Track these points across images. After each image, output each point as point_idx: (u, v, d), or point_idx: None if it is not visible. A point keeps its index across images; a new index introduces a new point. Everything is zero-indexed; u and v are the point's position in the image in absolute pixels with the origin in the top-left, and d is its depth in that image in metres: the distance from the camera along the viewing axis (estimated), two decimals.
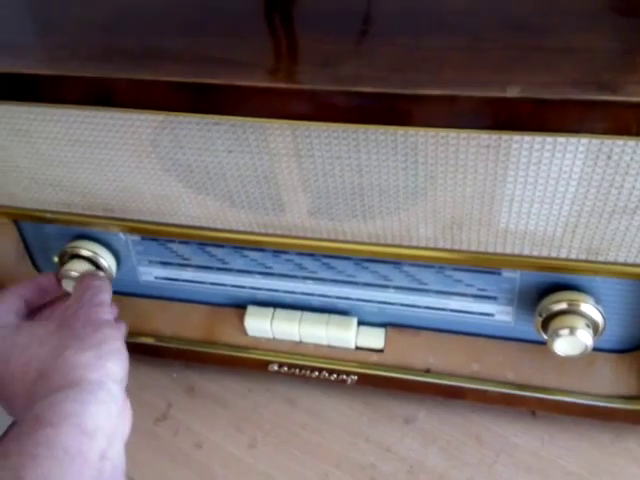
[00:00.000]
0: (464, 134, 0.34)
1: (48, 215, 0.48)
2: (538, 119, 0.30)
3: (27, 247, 0.53)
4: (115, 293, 0.53)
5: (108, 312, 0.45)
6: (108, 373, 0.40)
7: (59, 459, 0.34)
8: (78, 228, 0.49)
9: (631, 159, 0.33)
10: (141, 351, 0.55)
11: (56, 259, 0.51)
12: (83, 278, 0.48)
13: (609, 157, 0.33)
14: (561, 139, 0.33)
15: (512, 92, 0.29)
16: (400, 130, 0.34)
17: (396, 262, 0.46)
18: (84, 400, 0.37)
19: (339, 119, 0.33)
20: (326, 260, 0.47)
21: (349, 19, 0.39)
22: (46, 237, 0.52)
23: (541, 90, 0.29)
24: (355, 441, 0.52)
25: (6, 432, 0.39)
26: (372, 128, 0.34)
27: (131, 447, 0.53)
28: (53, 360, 0.40)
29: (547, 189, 0.36)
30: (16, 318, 0.45)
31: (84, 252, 0.49)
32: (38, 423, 0.35)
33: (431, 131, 0.34)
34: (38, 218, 0.48)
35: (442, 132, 0.34)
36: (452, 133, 0.34)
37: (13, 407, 0.41)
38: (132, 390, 0.56)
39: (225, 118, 0.35)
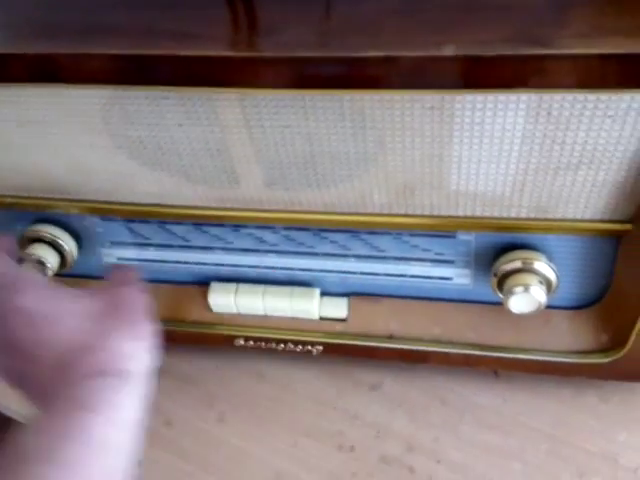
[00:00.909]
0: (407, 96, 0.34)
1: (8, 200, 0.48)
2: (475, 77, 0.31)
3: None
4: (78, 276, 0.54)
5: (142, 301, 0.43)
6: (144, 368, 0.39)
7: (89, 446, 0.34)
8: (38, 212, 0.49)
9: (570, 114, 0.34)
10: None
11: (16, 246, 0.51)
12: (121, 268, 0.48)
13: (549, 113, 0.34)
14: (501, 97, 0.33)
15: (447, 51, 0.30)
16: (346, 95, 0.35)
17: (354, 231, 0.46)
18: (123, 391, 0.37)
19: (284, 86, 0.34)
20: (285, 232, 0.48)
21: None
22: (5, 222, 0.51)
23: (475, 47, 0.30)
24: (323, 410, 0.53)
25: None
26: (318, 94, 0.35)
27: None
28: (99, 339, 0.38)
29: (492, 148, 0.37)
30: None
31: (44, 236, 0.49)
32: (76, 405, 0.35)
33: (376, 95, 0.34)
34: None
35: (387, 95, 0.34)
36: (396, 96, 0.34)
37: (35, 370, 0.39)
38: None
39: (172, 89, 0.36)
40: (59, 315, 0.40)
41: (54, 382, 0.37)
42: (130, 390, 0.37)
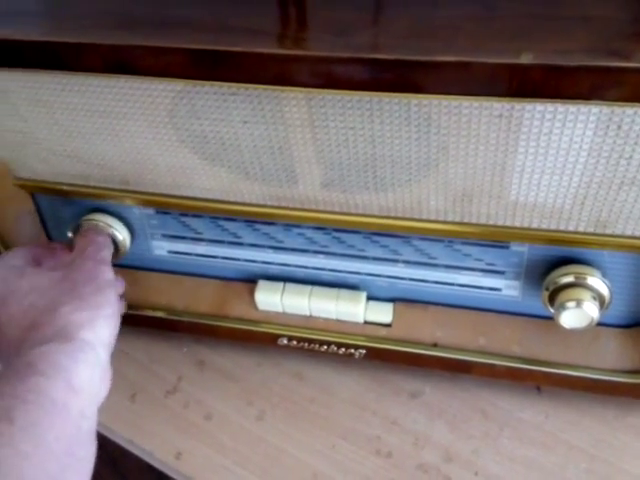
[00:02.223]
0: (477, 103, 0.34)
1: (65, 188, 0.49)
2: (550, 86, 0.31)
3: (43, 221, 0.54)
4: (128, 267, 0.54)
5: (110, 271, 0.46)
6: (99, 337, 0.41)
7: (47, 409, 0.35)
8: (93, 202, 0.50)
9: None
10: (153, 325, 0.56)
11: (70, 234, 0.52)
12: (87, 232, 0.49)
13: (619, 127, 0.34)
14: (572, 108, 0.33)
15: (526, 59, 0.30)
16: (414, 100, 0.35)
17: (406, 236, 0.46)
18: (76, 358, 0.38)
19: (354, 87, 0.34)
20: (337, 234, 0.48)
21: None
22: (62, 211, 0.52)
23: (554, 57, 0.30)
24: (362, 414, 0.53)
25: None
26: (386, 97, 0.35)
27: (142, 418, 0.54)
28: (49, 313, 0.40)
29: (557, 160, 0.37)
30: (24, 264, 0.46)
31: (100, 225, 0.50)
32: (30, 370, 0.36)
33: (444, 100, 0.35)
34: (55, 191, 0.49)
35: (455, 102, 0.35)
36: (465, 103, 0.35)
37: (2, 350, 0.42)
38: (143, 363, 0.58)
39: (242, 86, 0.36)
40: (11, 295, 0.42)
41: (11, 358, 0.39)
42: (85, 358, 0.38)
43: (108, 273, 0.45)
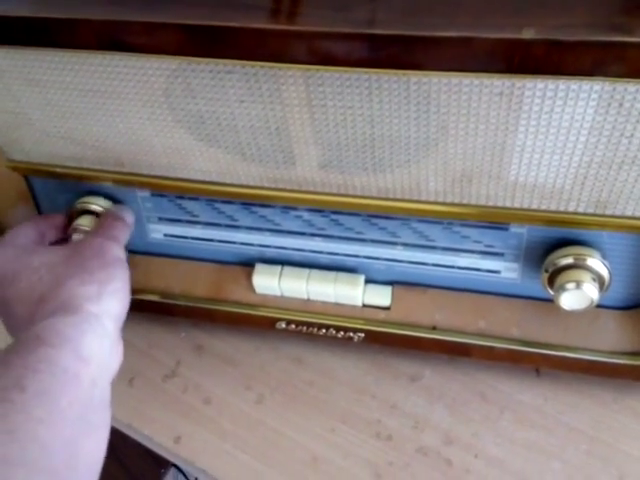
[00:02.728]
0: (477, 81, 0.34)
1: (59, 170, 0.48)
2: (552, 62, 0.30)
3: (37, 204, 0.54)
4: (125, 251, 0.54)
5: (120, 249, 0.46)
6: (107, 310, 0.41)
7: (58, 377, 0.36)
8: (88, 184, 0.50)
9: None
10: (150, 309, 0.55)
11: (65, 217, 0.52)
12: (108, 212, 0.50)
13: (621, 104, 0.33)
14: (574, 85, 0.33)
15: (528, 34, 0.29)
16: (413, 77, 0.35)
17: (404, 218, 0.46)
18: (82, 329, 0.39)
19: (352, 64, 0.34)
20: (335, 216, 0.48)
21: None
22: (56, 194, 0.52)
23: (556, 32, 0.29)
24: (361, 398, 0.52)
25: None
26: (385, 75, 0.35)
27: (140, 402, 0.54)
28: (57, 287, 0.41)
29: (558, 139, 0.36)
30: (31, 242, 0.47)
31: (94, 207, 0.50)
32: (39, 342, 0.37)
33: (444, 77, 0.34)
34: (49, 173, 0.49)
35: (455, 79, 0.34)
36: (465, 80, 0.34)
37: (13, 325, 0.43)
38: (141, 348, 0.58)
39: (239, 63, 0.36)
40: (20, 273, 0.43)
41: (21, 333, 0.40)
42: (92, 329, 0.39)
43: (117, 250, 0.46)
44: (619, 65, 0.30)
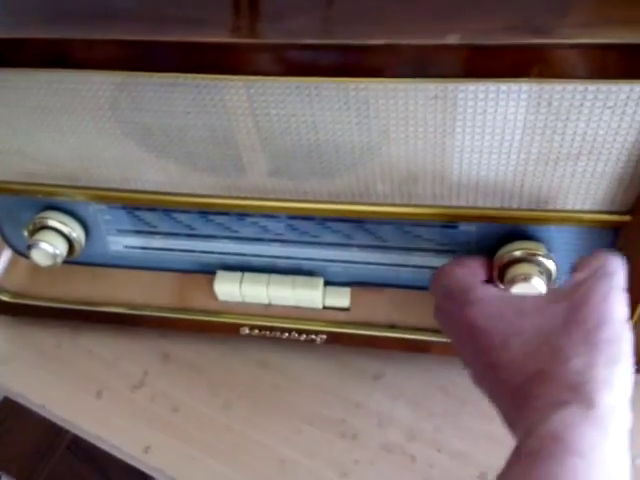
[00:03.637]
0: (412, 86, 0.35)
1: (16, 186, 0.49)
2: (478, 66, 0.31)
3: None
4: (85, 264, 0.54)
5: (625, 306, 0.36)
6: (621, 396, 0.33)
7: None
8: (46, 199, 0.50)
9: (570, 104, 0.34)
10: (114, 321, 0.56)
11: (26, 233, 0.52)
12: (597, 252, 0.39)
13: (549, 103, 0.34)
14: (503, 87, 0.34)
15: (451, 39, 0.30)
16: (351, 84, 0.36)
17: (357, 220, 0.47)
18: (604, 430, 0.31)
19: (289, 73, 0.34)
20: (290, 222, 0.48)
21: None
22: (15, 210, 0.52)
23: (478, 36, 0.30)
24: (326, 398, 0.53)
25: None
26: (324, 82, 0.36)
27: (108, 414, 0.54)
28: (559, 363, 0.34)
29: (494, 138, 0.37)
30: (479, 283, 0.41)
31: (52, 223, 0.50)
32: (561, 446, 0.31)
33: (380, 83, 0.35)
34: (5, 190, 0.49)
35: (390, 84, 0.35)
36: (400, 85, 0.35)
37: (499, 396, 0.37)
38: (108, 359, 0.58)
39: (180, 76, 0.36)
40: (513, 337, 0.36)
41: (512, 407, 0.35)
42: (612, 428, 0.32)
43: (623, 310, 0.36)
44: (541, 66, 0.31)
